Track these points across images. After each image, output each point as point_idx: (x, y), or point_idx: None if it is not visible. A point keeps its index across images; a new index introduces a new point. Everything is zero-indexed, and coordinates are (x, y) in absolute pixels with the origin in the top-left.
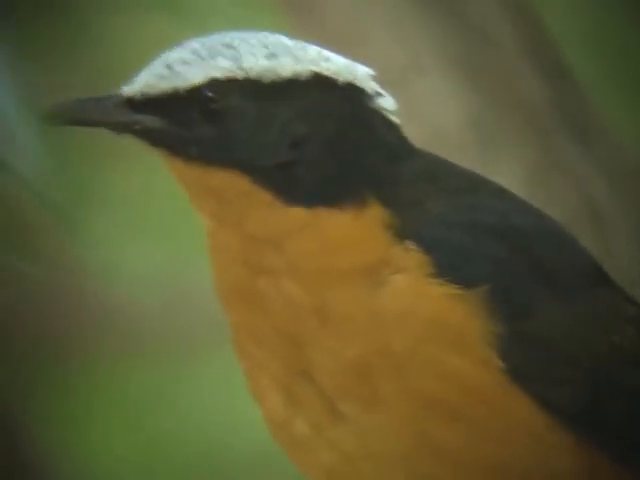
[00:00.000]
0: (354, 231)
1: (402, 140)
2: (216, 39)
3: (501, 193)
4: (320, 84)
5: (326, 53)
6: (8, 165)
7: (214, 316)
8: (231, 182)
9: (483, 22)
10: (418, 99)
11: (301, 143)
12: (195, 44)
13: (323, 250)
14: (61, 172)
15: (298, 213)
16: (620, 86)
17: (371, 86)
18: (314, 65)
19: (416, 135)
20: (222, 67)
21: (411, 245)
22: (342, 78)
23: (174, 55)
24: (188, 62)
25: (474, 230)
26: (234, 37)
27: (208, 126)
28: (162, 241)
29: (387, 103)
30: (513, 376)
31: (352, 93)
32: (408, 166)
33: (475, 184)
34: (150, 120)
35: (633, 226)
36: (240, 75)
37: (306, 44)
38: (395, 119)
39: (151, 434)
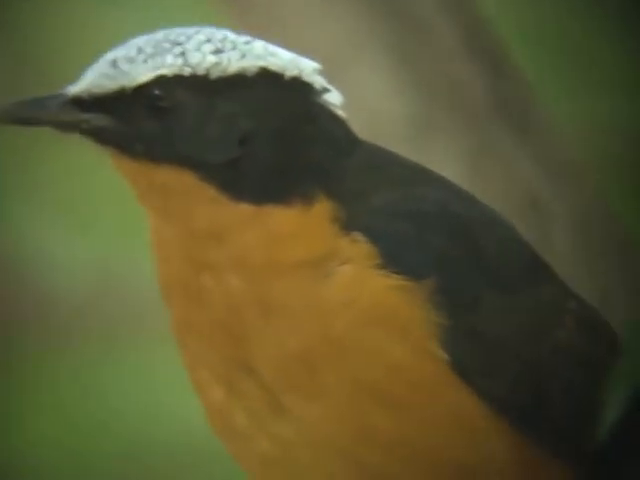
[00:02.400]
0: (300, 226)
1: (348, 134)
2: (161, 36)
3: (443, 183)
4: (267, 79)
5: (272, 48)
6: None
7: (141, 307)
8: (177, 178)
9: (419, 9)
10: (353, 87)
11: (248, 139)
12: (140, 41)
13: (267, 244)
14: None
15: (244, 209)
16: (558, 75)
17: (317, 81)
18: (260, 60)
19: (350, 123)
20: (169, 64)
21: (358, 236)
22: (288, 73)
23: (119, 53)
24: (134, 60)
25: (419, 221)
26: (179, 33)
27: (155, 123)
28: (89, 231)
29: (333, 98)
30: (455, 368)
31: (299, 88)
32: (354, 159)
33: (418, 174)
34: (97, 118)
35: (571, 216)
36: (187, 71)
37: (252, 39)
38: (341, 113)
39: (79, 423)
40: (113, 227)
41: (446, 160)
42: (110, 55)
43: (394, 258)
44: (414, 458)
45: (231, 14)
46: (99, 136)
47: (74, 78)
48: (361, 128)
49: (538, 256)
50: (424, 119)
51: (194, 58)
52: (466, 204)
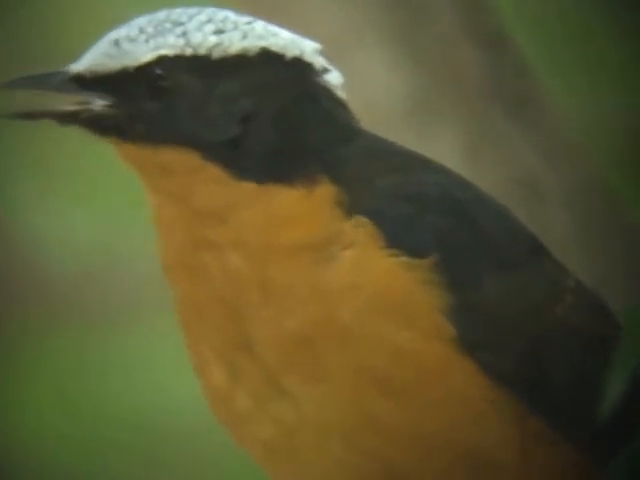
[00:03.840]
0: (303, 208)
1: (349, 117)
2: (163, 16)
3: (441, 170)
4: (268, 59)
5: (273, 28)
6: None
7: (143, 284)
8: (181, 158)
9: None
10: (353, 70)
11: (249, 118)
12: (142, 21)
13: (269, 224)
14: None
15: (248, 188)
16: (558, 58)
17: (318, 61)
18: (262, 40)
19: (351, 106)
20: (170, 44)
21: (361, 219)
22: (290, 53)
23: (121, 33)
24: (136, 40)
25: (421, 203)
26: (181, 13)
27: (157, 103)
28: (90, 208)
29: (334, 78)
30: (463, 346)
31: (300, 68)
32: (355, 145)
33: (417, 162)
34: (98, 97)
35: (568, 199)
36: (188, 52)
37: (253, 19)
38: (341, 94)
39: (81, 405)
40: (114, 203)
41: (445, 143)
42: (112, 35)
43: (397, 239)
44: (419, 442)
45: None
46: (99, 124)
47: (74, 58)
48: (361, 111)
49: (534, 236)
50: (423, 103)
51: (195, 38)
52: (463, 187)
